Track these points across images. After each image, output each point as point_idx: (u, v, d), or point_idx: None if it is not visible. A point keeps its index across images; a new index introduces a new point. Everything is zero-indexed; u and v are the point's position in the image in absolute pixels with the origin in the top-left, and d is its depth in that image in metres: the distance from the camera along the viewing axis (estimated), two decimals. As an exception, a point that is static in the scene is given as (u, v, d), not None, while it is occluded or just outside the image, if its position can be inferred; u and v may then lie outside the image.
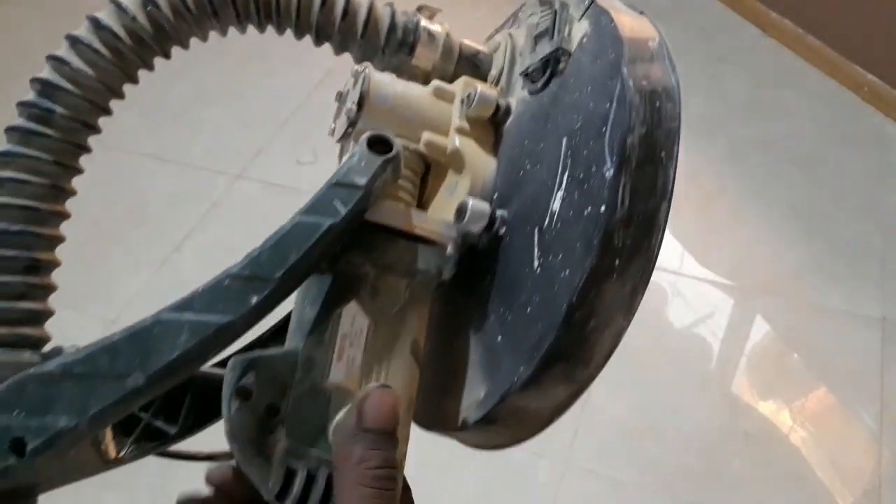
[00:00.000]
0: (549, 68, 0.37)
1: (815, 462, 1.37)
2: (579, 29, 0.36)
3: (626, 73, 0.31)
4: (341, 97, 0.41)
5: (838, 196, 1.82)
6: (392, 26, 0.41)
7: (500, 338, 0.34)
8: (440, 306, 0.39)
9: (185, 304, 0.29)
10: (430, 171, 0.41)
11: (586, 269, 0.29)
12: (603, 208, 0.29)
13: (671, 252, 1.71)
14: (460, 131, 0.39)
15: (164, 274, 1.75)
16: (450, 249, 0.36)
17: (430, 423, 0.38)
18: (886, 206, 1.79)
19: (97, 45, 0.35)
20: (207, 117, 2.12)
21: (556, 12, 0.38)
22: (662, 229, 0.30)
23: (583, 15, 0.36)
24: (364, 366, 0.32)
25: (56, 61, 0.34)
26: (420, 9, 0.42)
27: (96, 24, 0.35)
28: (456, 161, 0.39)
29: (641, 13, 0.36)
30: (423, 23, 0.41)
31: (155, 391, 0.29)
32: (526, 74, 0.39)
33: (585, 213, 0.30)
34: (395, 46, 0.41)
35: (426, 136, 0.39)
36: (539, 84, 0.37)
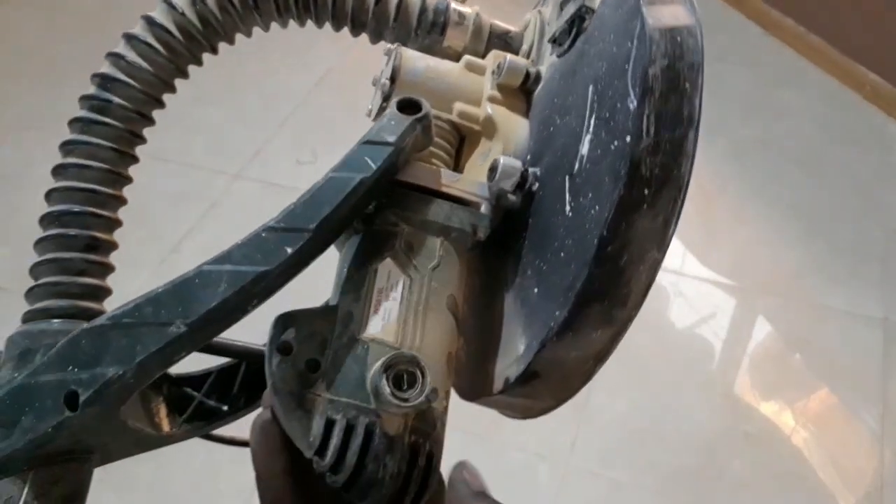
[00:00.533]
0: (574, 27, 0.38)
1: (817, 463, 1.37)
2: None
3: (646, 12, 0.31)
4: (376, 80, 0.42)
5: (839, 196, 1.81)
6: (423, 8, 0.42)
7: (536, 290, 0.34)
8: (479, 275, 0.39)
9: (224, 257, 0.31)
10: (464, 143, 0.42)
11: (615, 201, 0.29)
12: (628, 138, 0.29)
13: (672, 252, 1.70)
14: (492, 100, 0.40)
15: (163, 274, 1.75)
16: (484, 208, 0.36)
17: (472, 393, 0.38)
18: (888, 206, 1.79)
19: (151, 40, 0.38)
20: (207, 117, 2.12)
21: None
22: (692, 157, 0.30)
23: None
24: (400, 319, 0.33)
25: (114, 56, 0.37)
26: None
27: (150, 22, 0.38)
28: (488, 128, 0.40)
29: None
30: (454, 5, 0.43)
31: (197, 339, 0.30)
32: (553, 40, 0.39)
33: (612, 147, 0.30)
34: (426, 27, 0.43)
35: (458, 106, 0.40)
36: (566, 45, 0.38)
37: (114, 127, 0.37)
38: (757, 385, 1.50)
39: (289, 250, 0.31)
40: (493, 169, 0.36)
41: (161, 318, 0.30)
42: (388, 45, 0.42)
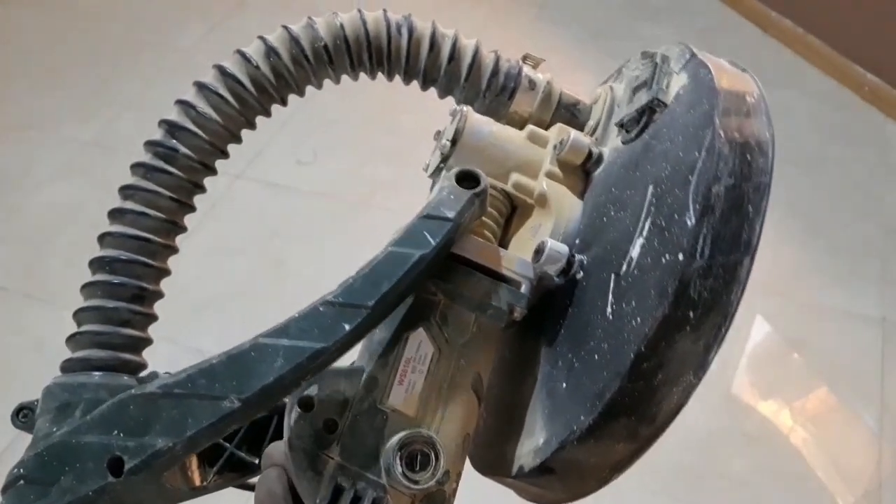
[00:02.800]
0: (643, 118, 0.37)
1: (816, 462, 1.37)
2: (678, 81, 0.36)
3: (719, 123, 0.30)
4: (439, 135, 0.42)
5: (838, 196, 1.82)
6: (495, 71, 0.42)
7: (564, 384, 0.33)
8: (510, 349, 0.39)
9: (281, 330, 0.30)
10: (515, 212, 0.41)
11: (658, 318, 0.28)
12: (681, 256, 0.28)
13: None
14: (550, 175, 0.39)
15: (163, 274, 1.75)
16: (524, 288, 0.35)
17: (486, 468, 0.37)
18: (887, 206, 1.79)
19: (223, 91, 0.37)
20: (207, 117, 2.12)
21: (656, 65, 0.38)
22: (743, 285, 0.29)
23: (682, 68, 0.36)
24: (423, 393, 0.32)
25: (183, 105, 0.37)
26: (525, 57, 0.44)
27: (222, 72, 0.37)
28: (542, 203, 0.39)
29: (744, 70, 0.36)
30: (526, 70, 0.43)
31: (250, 414, 0.30)
32: (621, 125, 0.38)
33: (663, 260, 0.29)
34: (496, 90, 0.42)
35: (515, 177, 0.40)
36: (633, 133, 0.37)
37: (176, 177, 0.36)
38: (756, 385, 1.50)
39: (346, 327, 0.30)
40: (539, 251, 0.35)
41: (215, 391, 0.29)
42: (455, 106, 0.41)
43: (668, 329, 0.28)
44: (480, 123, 0.40)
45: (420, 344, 0.33)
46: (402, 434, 0.30)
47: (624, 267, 0.32)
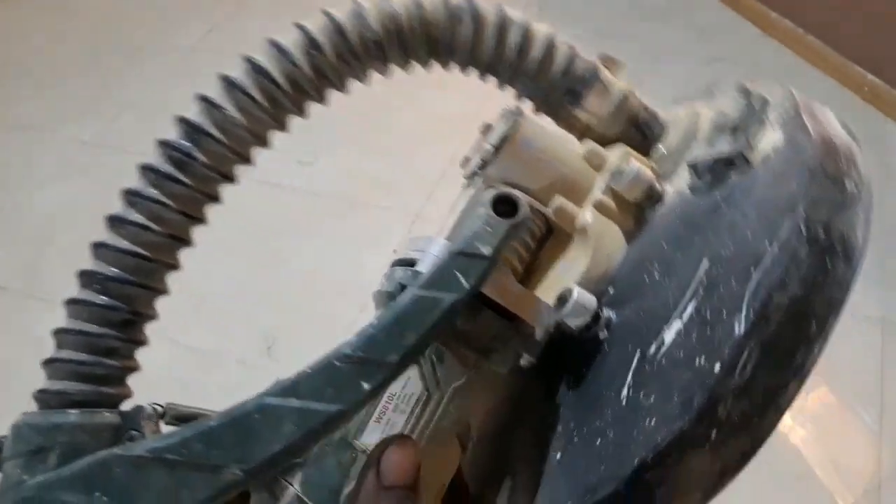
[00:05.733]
0: (718, 171, 0.31)
1: (815, 462, 1.37)
2: (771, 138, 0.30)
3: (803, 215, 0.25)
4: (487, 130, 0.37)
5: (838, 196, 1.82)
6: (566, 70, 0.36)
7: (559, 455, 0.30)
8: (514, 380, 0.34)
9: (289, 388, 0.26)
10: (551, 235, 0.36)
11: (674, 431, 0.24)
12: (717, 368, 0.24)
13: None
14: (598, 206, 0.34)
15: (163, 274, 1.75)
16: (538, 335, 0.31)
17: None
18: (886, 207, 1.79)
19: (254, 92, 0.32)
20: (207, 117, 2.12)
21: (751, 107, 0.32)
22: (783, 412, 0.25)
23: (781, 122, 0.30)
24: None
25: (207, 104, 0.31)
26: (604, 58, 0.38)
27: (255, 68, 0.32)
28: (581, 238, 0.34)
29: (854, 139, 0.29)
30: (602, 74, 0.37)
31: (252, 482, 0.26)
32: (693, 166, 0.32)
33: (697, 363, 0.25)
34: (562, 92, 0.36)
35: (558, 200, 0.34)
36: (702, 186, 0.32)
37: (190, 187, 0.31)
38: (755, 384, 1.50)
39: (366, 387, 0.26)
40: (563, 299, 0.30)
41: (214, 459, 0.25)
42: (510, 107, 0.36)
43: (682, 445, 0.24)
44: (534, 133, 0.34)
45: (408, 381, 0.30)
46: (363, 464, 0.28)
47: (652, 348, 0.27)
